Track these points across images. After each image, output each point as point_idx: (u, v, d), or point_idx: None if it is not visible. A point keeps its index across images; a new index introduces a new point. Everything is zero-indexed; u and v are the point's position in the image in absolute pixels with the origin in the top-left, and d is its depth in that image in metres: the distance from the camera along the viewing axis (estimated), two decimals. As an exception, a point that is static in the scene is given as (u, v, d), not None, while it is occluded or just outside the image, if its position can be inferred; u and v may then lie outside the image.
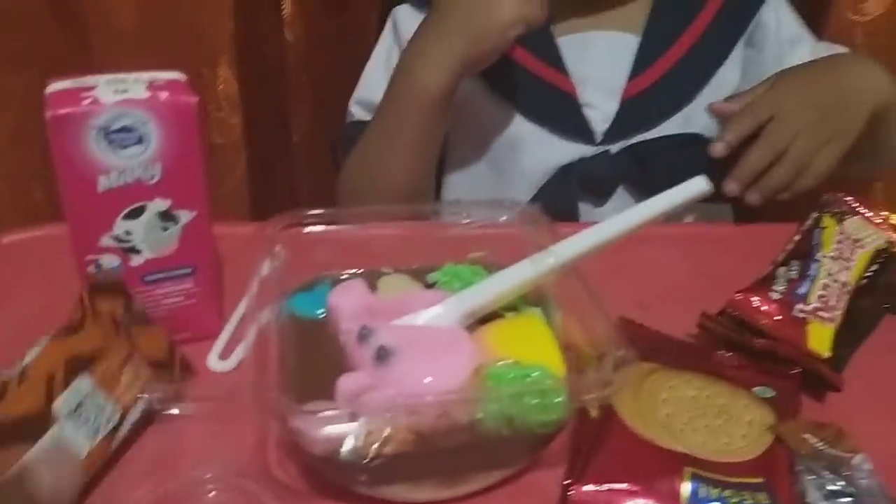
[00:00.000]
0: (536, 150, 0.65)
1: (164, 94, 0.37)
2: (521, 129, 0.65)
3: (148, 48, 0.72)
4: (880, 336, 0.49)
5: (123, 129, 0.37)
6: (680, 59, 0.64)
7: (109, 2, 0.72)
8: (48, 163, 0.74)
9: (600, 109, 0.64)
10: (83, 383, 0.34)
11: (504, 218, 0.43)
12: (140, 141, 0.37)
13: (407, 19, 0.66)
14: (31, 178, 0.76)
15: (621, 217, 0.38)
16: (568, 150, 0.64)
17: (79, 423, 0.33)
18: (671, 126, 0.65)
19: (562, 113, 0.64)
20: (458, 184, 0.68)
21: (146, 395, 0.37)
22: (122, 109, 0.37)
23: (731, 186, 0.56)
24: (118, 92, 0.37)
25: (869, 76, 0.58)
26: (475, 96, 0.64)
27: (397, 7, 0.68)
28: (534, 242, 0.39)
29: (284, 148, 0.82)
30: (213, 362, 0.43)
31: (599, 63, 0.64)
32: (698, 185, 0.37)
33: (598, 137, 0.64)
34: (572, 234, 0.39)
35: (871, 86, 0.57)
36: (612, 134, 0.64)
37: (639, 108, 0.64)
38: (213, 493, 0.35)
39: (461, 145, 0.67)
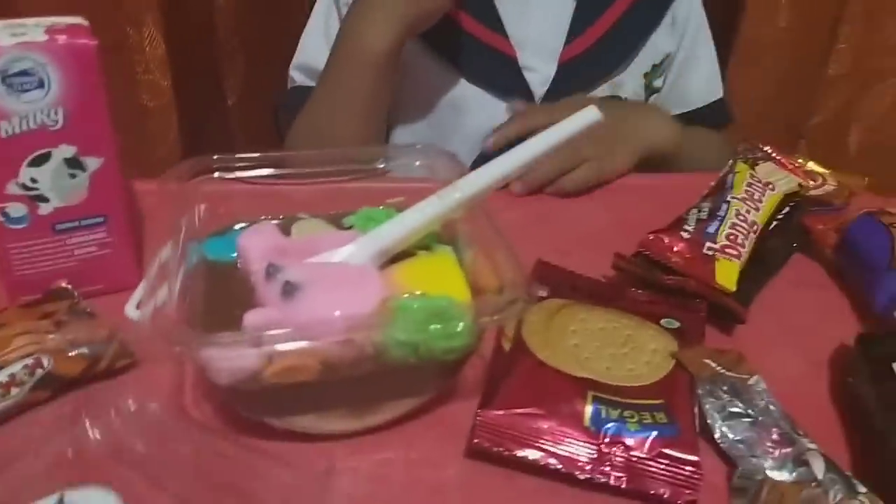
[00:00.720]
0: (478, 111, 0.66)
1: (62, 38, 0.37)
2: (465, 91, 0.66)
3: (72, 6, 0.71)
4: (788, 273, 0.51)
5: (22, 73, 0.36)
6: (613, 24, 0.66)
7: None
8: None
9: (539, 72, 0.66)
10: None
11: (418, 163, 0.44)
12: (41, 85, 0.37)
13: None
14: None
15: (522, 148, 0.39)
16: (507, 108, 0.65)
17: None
18: (604, 90, 0.67)
19: (503, 76, 0.65)
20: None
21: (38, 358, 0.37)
22: (19, 52, 0.36)
23: (516, 185, 0.57)
24: (16, 35, 0.37)
25: (654, 124, 0.64)
26: (419, 58, 0.64)
27: None
28: (441, 180, 0.40)
29: (219, 111, 0.81)
30: (130, 311, 0.43)
31: (538, 26, 0.65)
32: (590, 115, 0.38)
33: (538, 99, 0.66)
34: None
35: (651, 133, 0.63)
36: (550, 96, 0.65)
37: (575, 71, 0.66)
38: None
39: (405, 107, 0.67)
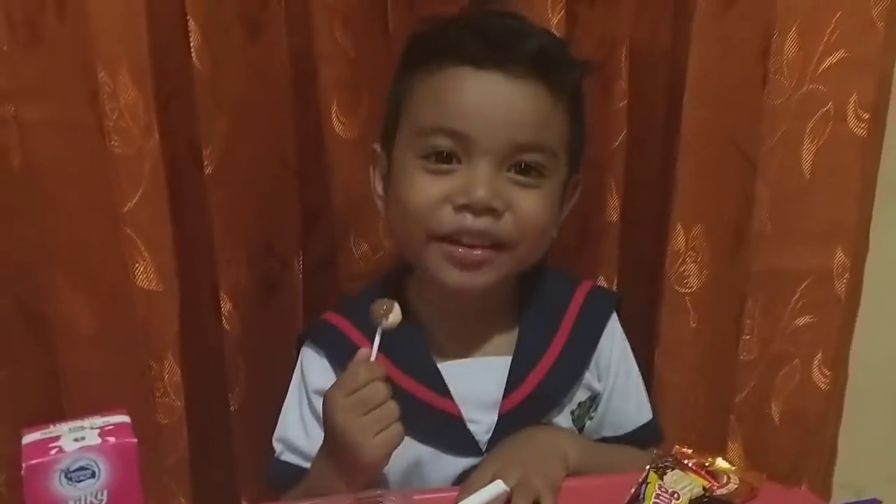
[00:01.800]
0: (435, 466, 0.75)
1: (111, 440, 0.51)
2: (419, 451, 0.75)
3: (105, 348, 0.87)
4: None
5: (80, 469, 0.49)
6: (544, 375, 0.77)
7: (72, 309, 0.86)
8: (10, 451, 0.85)
9: (482, 423, 0.76)
10: None
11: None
12: (93, 476, 0.50)
13: (310, 365, 0.79)
14: None
15: None
16: (461, 463, 0.75)
17: None
18: None
19: (451, 434, 0.75)
20: None
21: None
22: (80, 455, 0.49)
23: None
24: (77, 440, 0.50)
25: (557, 441, 0.75)
26: None
27: (303, 348, 0.80)
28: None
29: (223, 419, 0.94)
30: None
31: (479, 385, 0.77)
32: (498, 488, 0.51)
33: (483, 447, 0.76)
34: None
35: (560, 446, 0.74)
36: (493, 442, 0.76)
37: (514, 418, 0.76)
38: None
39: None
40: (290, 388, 0.81)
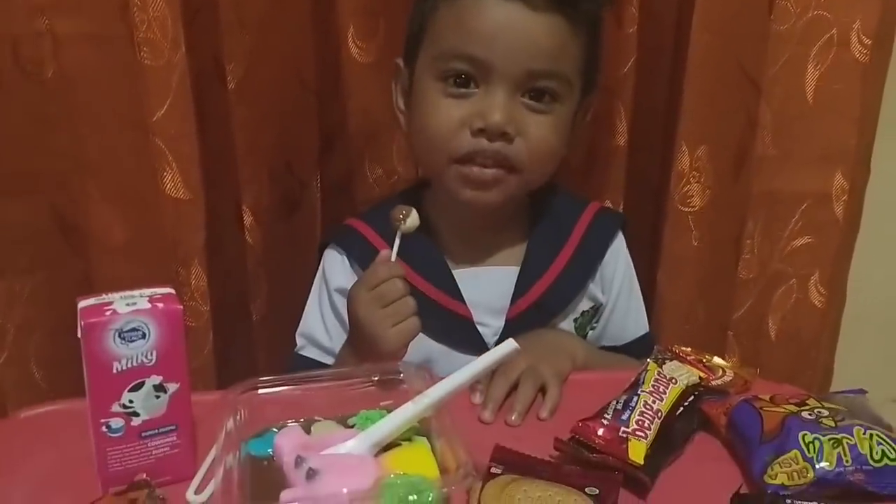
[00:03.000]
0: (445, 363, 0.80)
1: (160, 305, 0.55)
2: (431, 348, 0.81)
3: (135, 256, 0.91)
4: (692, 448, 0.66)
5: (132, 330, 0.54)
6: (549, 286, 0.83)
7: (105, 220, 0.91)
8: (47, 350, 0.90)
9: (490, 326, 0.82)
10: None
11: (401, 374, 0.60)
12: (144, 337, 0.54)
13: (332, 266, 0.84)
14: (32, 362, 0.92)
15: (466, 369, 0.57)
16: (470, 359, 0.80)
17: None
18: None
19: (461, 334, 0.81)
20: None
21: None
22: (132, 317, 0.54)
23: (485, 415, 0.69)
24: (129, 304, 0.55)
25: (566, 340, 0.82)
26: None
27: (327, 251, 0.85)
28: (418, 389, 0.56)
29: (245, 326, 0.99)
30: (191, 496, 0.57)
31: (488, 291, 0.83)
32: (510, 345, 0.55)
33: (490, 348, 0.81)
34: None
35: (568, 345, 0.80)
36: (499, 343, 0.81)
37: (519, 323, 0.81)
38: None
39: None
40: (313, 288, 0.86)
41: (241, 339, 0.99)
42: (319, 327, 0.83)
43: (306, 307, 0.86)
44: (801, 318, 1.02)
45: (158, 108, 0.84)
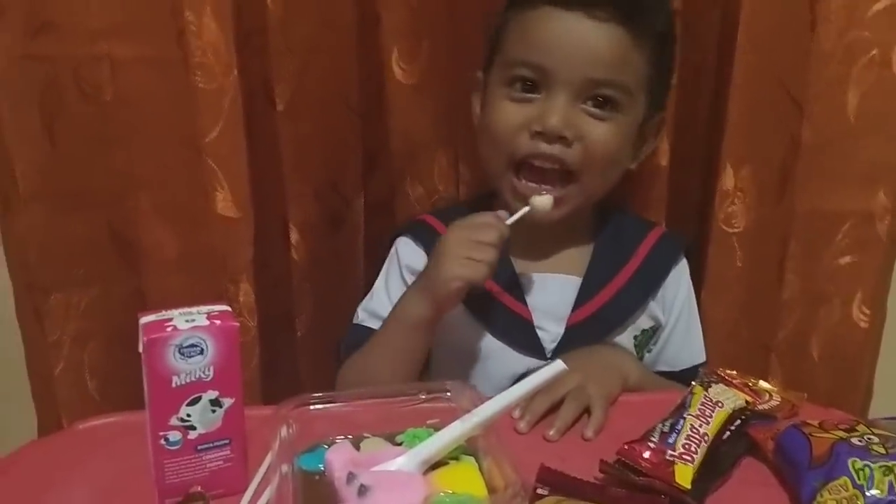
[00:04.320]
0: (500, 361, 0.82)
1: (218, 322, 0.57)
2: (490, 345, 0.83)
3: (186, 271, 0.94)
4: (739, 473, 0.66)
5: (191, 346, 0.56)
6: (611, 298, 0.84)
7: (157, 235, 0.94)
8: (101, 361, 0.93)
9: (550, 332, 0.83)
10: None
11: (448, 393, 0.61)
12: (202, 353, 0.56)
13: (405, 248, 0.88)
14: (86, 373, 0.95)
15: (513, 389, 0.57)
16: (524, 362, 0.82)
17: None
18: None
19: (521, 334, 0.82)
20: None
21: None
22: (191, 333, 0.56)
23: (520, 425, 0.70)
24: (188, 321, 0.57)
25: (621, 359, 0.81)
26: (457, 319, 0.82)
27: (399, 238, 0.89)
28: (465, 408, 0.57)
29: (290, 341, 1.01)
30: (243, 509, 0.59)
31: (550, 297, 0.84)
32: (558, 366, 0.56)
33: (548, 353, 0.83)
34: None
35: (621, 366, 0.80)
36: (558, 351, 0.83)
37: (579, 332, 0.82)
38: None
39: (442, 357, 0.85)
40: (383, 270, 0.89)
41: (286, 353, 1.01)
42: (383, 300, 0.85)
43: (374, 287, 0.89)
44: (844, 338, 1.01)
45: (211, 130, 0.87)
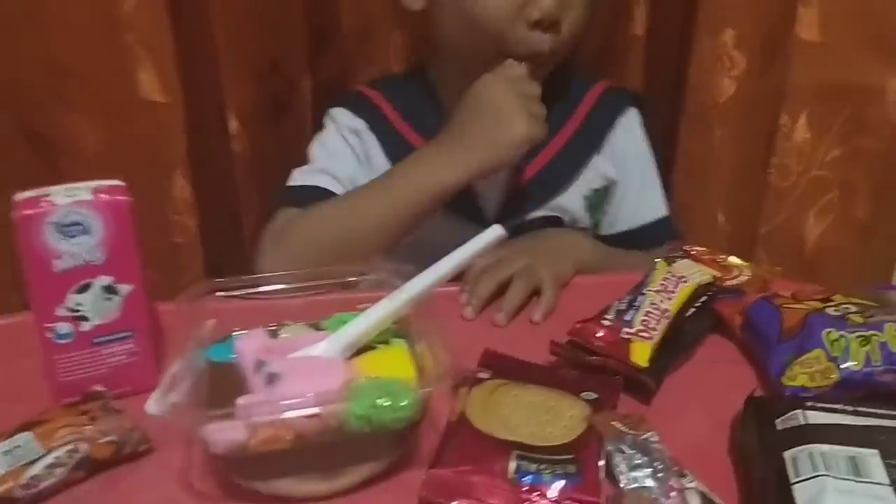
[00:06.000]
0: (445, 231, 0.76)
1: (104, 196, 0.49)
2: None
3: (111, 166, 0.85)
4: (704, 351, 0.60)
5: (73, 224, 0.49)
6: (553, 155, 0.79)
7: (77, 128, 0.84)
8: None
9: (491, 199, 0.79)
10: (24, 435, 0.46)
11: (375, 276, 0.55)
12: (86, 231, 0.49)
13: (342, 116, 0.82)
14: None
15: (448, 258, 0.50)
16: (467, 230, 0.75)
17: (7, 457, 0.45)
18: (549, 210, 0.80)
19: (463, 203, 0.76)
20: None
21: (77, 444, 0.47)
22: (71, 208, 0.49)
23: (467, 311, 0.64)
24: (70, 195, 0.49)
25: (573, 241, 0.77)
26: None
27: (332, 109, 0.83)
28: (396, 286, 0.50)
29: (237, 242, 0.94)
30: (150, 408, 0.53)
31: None
32: (495, 232, 0.49)
33: (490, 220, 0.78)
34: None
35: (573, 247, 0.75)
36: (500, 217, 0.78)
37: (519, 197, 0.79)
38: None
39: None
40: (313, 141, 0.83)
41: (235, 255, 0.94)
42: (330, 161, 0.79)
43: (310, 155, 0.82)
44: (842, 233, 0.92)
45: (129, -3, 0.77)
